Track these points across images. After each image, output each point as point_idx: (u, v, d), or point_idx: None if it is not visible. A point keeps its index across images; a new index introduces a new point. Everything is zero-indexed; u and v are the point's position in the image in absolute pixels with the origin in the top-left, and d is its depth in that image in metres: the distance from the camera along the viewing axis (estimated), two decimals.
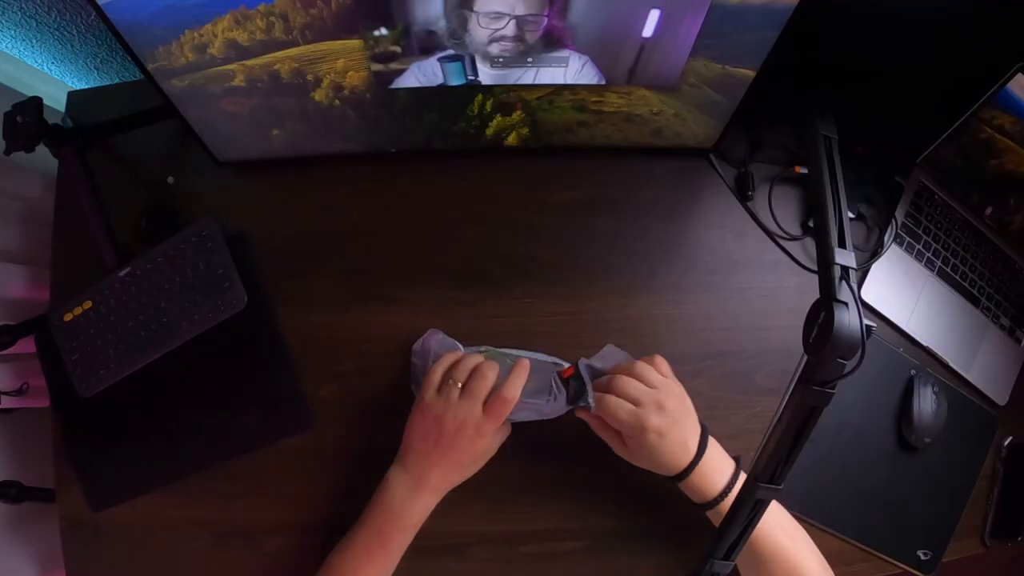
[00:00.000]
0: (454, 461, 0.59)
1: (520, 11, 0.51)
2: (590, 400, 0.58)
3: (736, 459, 0.60)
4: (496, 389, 0.58)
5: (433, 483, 0.59)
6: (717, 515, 0.57)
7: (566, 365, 0.63)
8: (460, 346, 0.66)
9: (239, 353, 0.69)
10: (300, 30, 0.52)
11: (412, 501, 0.59)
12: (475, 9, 0.51)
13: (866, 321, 0.46)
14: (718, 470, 0.58)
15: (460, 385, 0.58)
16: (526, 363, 0.61)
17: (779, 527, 0.58)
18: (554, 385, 0.60)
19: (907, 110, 0.77)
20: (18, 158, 0.63)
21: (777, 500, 0.54)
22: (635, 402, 0.57)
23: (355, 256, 0.71)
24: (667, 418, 0.57)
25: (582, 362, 0.62)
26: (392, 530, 0.58)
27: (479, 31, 0.53)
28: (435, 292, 0.70)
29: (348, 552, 0.58)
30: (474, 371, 0.59)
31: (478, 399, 0.58)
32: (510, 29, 0.53)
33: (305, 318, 0.70)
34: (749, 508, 0.52)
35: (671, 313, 0.71)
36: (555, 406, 0.60)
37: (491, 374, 0.59)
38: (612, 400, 0.57)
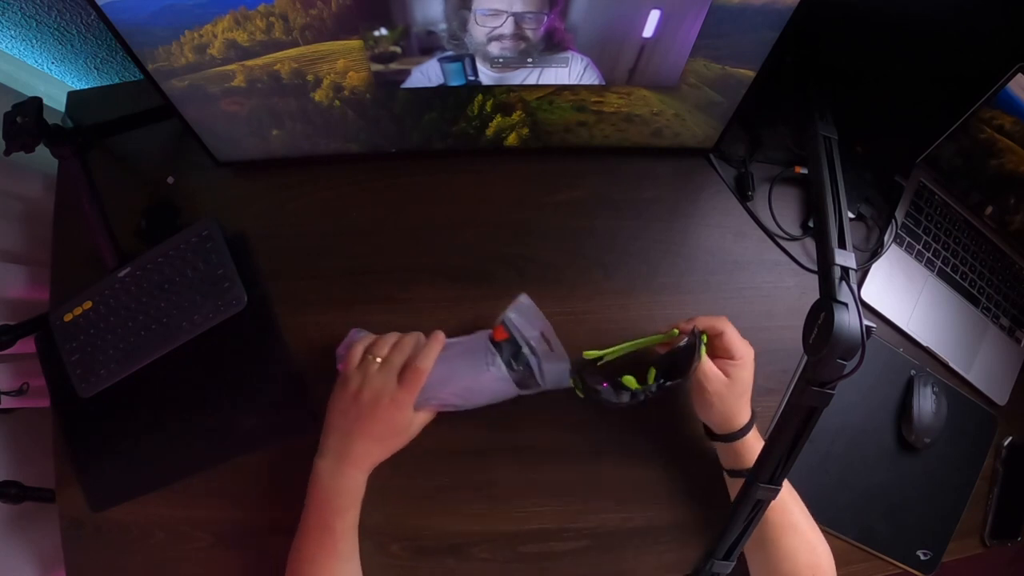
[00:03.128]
0: (373, 434, 0.59)
1: (518, 8, 0.51)
2: (534, 368, 0.58)
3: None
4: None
5: (355, 458, 0.59)
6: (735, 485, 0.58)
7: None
8: None
9: (239, 354, 0.69)
10: (300, 30, 0.52)
11: (339, 479, 0.58)
12: (472, 8, 0.51)
13: (866, 321, 0.46)
14: (756, 447, 0.60)
15: (379, 360, 0.59)
16: (441, 335, 0.61)
17: (793, 502, 0.60)
18: (487, 354, 0.59)
19: (907, 110, 0.77)
20: (18, 158, 0.63)
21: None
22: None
23: (355, 256, 0.71)
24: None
25: (507, 318, 0.61)
26: (330, 513, 0.58)
27: (476, 29, 0.53)
28: (435, 292, 0.70)
29: (300, 549, 0.59)
30: (393, 345, 0.60)
31: (394, 370, 0.58)
32: (508, 27, 0.52)
33: (305, 318, 0.70)
34: (749, 508, 0.52)
35: (671, 313, 0.71)
36: (496, 379, 0.59)
37: (407, 347, 0.60)
38: (731, 330, 0.61)
